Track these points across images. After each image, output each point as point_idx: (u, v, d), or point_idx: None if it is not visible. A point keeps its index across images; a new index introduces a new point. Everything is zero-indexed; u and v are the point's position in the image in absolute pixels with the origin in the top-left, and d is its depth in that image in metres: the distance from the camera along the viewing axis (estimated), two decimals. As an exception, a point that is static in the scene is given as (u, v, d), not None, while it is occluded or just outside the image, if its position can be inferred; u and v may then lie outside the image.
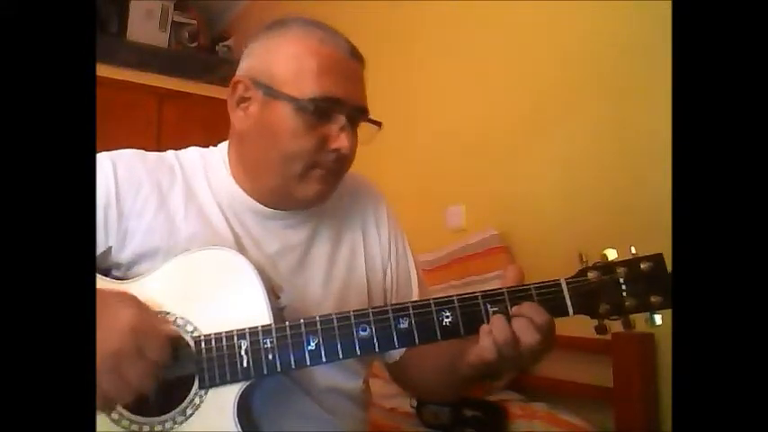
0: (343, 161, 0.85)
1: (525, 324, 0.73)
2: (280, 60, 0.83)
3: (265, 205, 0.88)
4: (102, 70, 2.88)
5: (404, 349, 0.95)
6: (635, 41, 1.42)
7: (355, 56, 0.85)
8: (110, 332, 0.67)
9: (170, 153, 0.93)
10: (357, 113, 0.85)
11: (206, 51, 3.41)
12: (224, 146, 0.94)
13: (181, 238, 0.84)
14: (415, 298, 0.98)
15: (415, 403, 1.46)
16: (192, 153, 0.94)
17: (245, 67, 0.87)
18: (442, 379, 0.90)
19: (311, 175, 0.83)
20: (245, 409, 0.77)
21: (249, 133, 0.85)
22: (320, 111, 0.80)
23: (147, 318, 0.71)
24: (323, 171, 0.84)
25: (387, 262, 0.98)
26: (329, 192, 0.87)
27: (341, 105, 0.82)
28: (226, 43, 3.44)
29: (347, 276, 0.93)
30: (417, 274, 1.01)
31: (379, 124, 0.87)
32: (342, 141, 0.81)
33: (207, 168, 0.91)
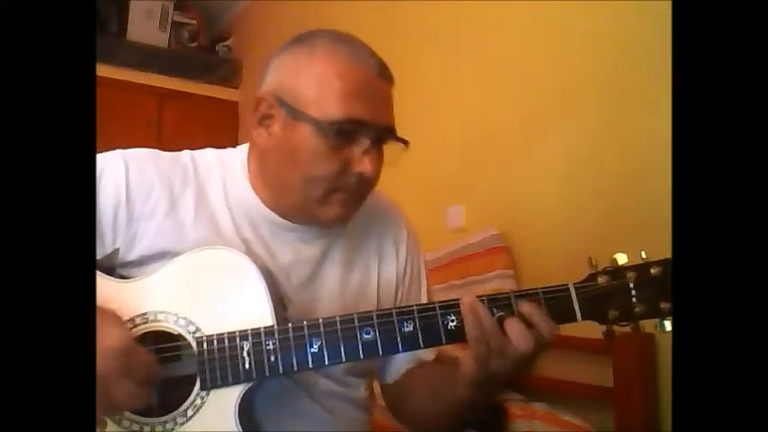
0: (365, 184, 0.82)
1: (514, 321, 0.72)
2: (305, 80, 0.80)
3: (281, 216, 0.87)
4: (102, 70, 2.88)
5: (400, 372, 0.94)
6: (635, 41, 1.42)
7: (384, 75, 0.83)
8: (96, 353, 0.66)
9: (185, 153, 0.91)
10: (383, 134, 0.82)
11: (206, 51, 3.42)
12: (244, 149, 0.91)
13: (189, 241, 0.82)
14: None
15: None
16: (209, 155, 0.92)
17: (270, 82, 0.84)
18: (438, 406, 0.88)
19: (333, 199, 0.82)
20: (246, 411, 0.76)
21: (271, 152, 0.84)
22: (343, 134, 0.78)
23: (132, 336, 0.71)
24: (345, 195, 0.82)
25: (400, 284, 0.96)
26: (351, 214, 0.86)
27: (365, 128, 0.79)
28: (226, 43, 3.45)
29: (358, 296, 0.91)
30: (429, 297, 0.99)
31: (405, 143, 0.85)
32: (365, 165, 0.79)
33: (224, 172, 0.89)
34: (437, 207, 1.95)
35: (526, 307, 0.73)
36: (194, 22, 3.38)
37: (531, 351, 0.71)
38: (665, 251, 0.73)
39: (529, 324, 0.72)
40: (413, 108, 2.10)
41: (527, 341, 0.71)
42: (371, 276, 0.94)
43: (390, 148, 0.85)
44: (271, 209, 0.86)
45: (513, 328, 0.71)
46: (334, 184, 0.80)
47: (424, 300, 0.98)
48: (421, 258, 1.00)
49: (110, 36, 3.11)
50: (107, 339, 0.67)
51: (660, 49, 1.01)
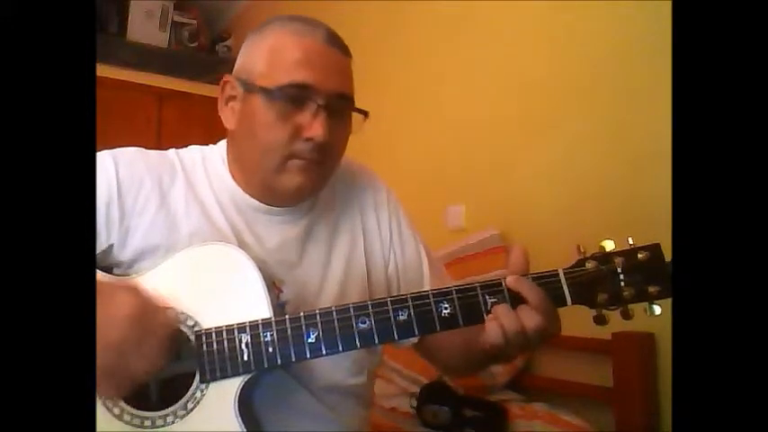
0: (320, 150, 0.83)
1: (525, 308, 0.74)
2: (257, 56, 0.85)
3: (260, 201, 0.89)
4: (102, 70, 2.88)
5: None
6: (635, 41, 1.42)
7: (334, 44, 0.85)
8: (111, 321, 0.67)
9: (171, 151, 0.93)
10: (336, 101, 0.83)
11: (206, 51, 3.41)
12: (223, 143, 0.95)
13: (182, 235, 0.84)
14: (427, 279, 0.98)
15: (415, 403, 1.46)
16: (193, 151, 0.94)
17: (234, 68, 0.89)
18: (462, 358, 0.93)
19: (289, 167, 0.83)
20: (246, 405, 0.77)
21: (236, 131, 0.87)
22: (290, 98, 0.81)
23: (149, 305, 0.72)
24: (302, 162, 0.83)
25: (388, 251, 0.98)
26: (313, 183, 0.86)
27: (313, 92, 0.81)
28: (226, 43, 3.44)
29: (346, 268, 0.93)
30: (428, 256, 1.00)
31: (365, 113, 0.87)
32: (315, 130, 0.81)
33: (207, 166, 0.92)
34: (437, 207, 1.95)
35: (534, 298, 0.75)
36: (194, 22, 3.38)
37: (541, 324, 0.73)
38: (667, 252, 0.74)
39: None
40: (413, 108, 2.11)
41: (532, 319, 0.73)
42: (357, 242, 0.95)
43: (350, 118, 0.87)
44: (250, 195, 0.89)
45: (531, 319, 0.73)
46: (287, 150, 0.82)
47: (424, 258, 0.99)
48: (407, 220, 1.01)
49: (110, 36, 3.11)
50: (122, 305, 0.69)
51: (660, 49, 1.01)
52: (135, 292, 0.72)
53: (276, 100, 0.81)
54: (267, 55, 0.83)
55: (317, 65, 0.82)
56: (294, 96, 0.81)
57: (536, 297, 0.74)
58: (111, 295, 0.69)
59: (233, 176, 0.90)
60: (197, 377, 0.75)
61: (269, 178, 0.84)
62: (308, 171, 0.84)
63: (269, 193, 0.88)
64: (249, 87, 0.83)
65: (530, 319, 0.73)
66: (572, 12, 1.59)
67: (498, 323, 0.73)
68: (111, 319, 0.67)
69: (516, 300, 0.75)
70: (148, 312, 0.71)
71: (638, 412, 1.28)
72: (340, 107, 0.84)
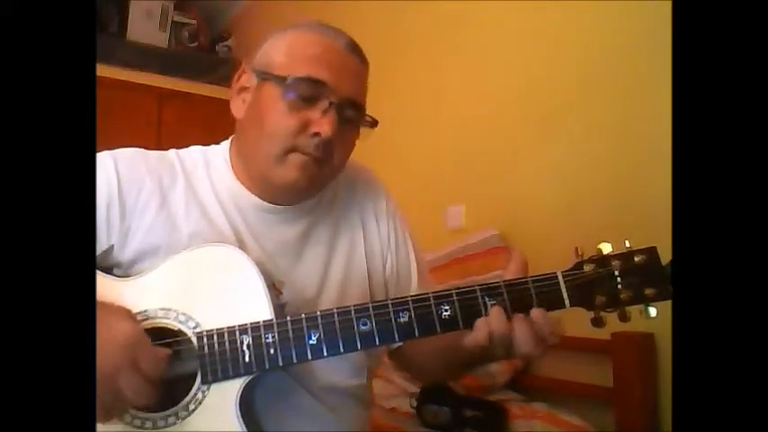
0: (324, 147, 0.82)
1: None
2: (277, 49, 0.86)
3: (259, 197, 0.88)
4: (102, 70, 2.88)
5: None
6: (635, 41, 1.42)
7: (354, 52, 0.86)
8: (104, 346, 0.66)
9: (171, 152, 0.93)
10: (348, 105, 0.83)
11: (206, 51, 3.42)
12: (226, 143, 0.95)
13: (182, 236, 0.84)
14: (414, 286, 0.98)
15: (414, 403, 1.46)
16: (194, 151, 0.94)
17: (252, 61, 0.89)
18: (442, 363, 0.92)
19: (290, 160, 0.82)
20: (247, 406, 0.77)
21: (244, 120, 0.88)
22: (304, 91, 0.81)
23: (142, 332, 0.71)
24: (303, 157, 0.82)
25: (386, 253, 0.98)
26: (309, 182, 0.85)
27: (327, 90, 0.81)
28: (226, 43, 3.44)
29: (347, 270, 0.93)
30: (418, 263, 1.01)
31: (374, 123, 0.87)
32: (323, 126, 0.80)
33: (208, 165, 0.91)
34: (437, 207, 1.95)
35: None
36: (194, 22, 3.38)
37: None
38: (666, 252, 0.74)
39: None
40: (413, 108, 2.11)
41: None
42: (358, 244, 0.96)
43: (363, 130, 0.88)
44: (253, 193, 0.89)
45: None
46: (291, 142, 0.82)
47: (413, 265, 1.00)
48: (405, 228, 1.02)
49: (110, 36, 3.11)
50: (117, 333, 0.68)
51: (660, 49, 1.01)
52: (128, 316, 0.72)
53: (289, 91, 0.81)
54: (287, 47, 0.85)
55: (334, 65, 0.83)
56: (307, 90, 0.81)
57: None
58: (103, 320, 0.68)
59: (236, 175, 0.90)
60: (198, 378, 0.75)
61: (267, 168, 0.84)
62: (307, 168, 0.83)
63: (266, 186, 0.87)
64: (264, 76, 0.84)
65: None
66: (572, 12, 1.59)
67: (488, 324, 0.73)
68: (103, 344, 0.66)
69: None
70: (142, 339, 0.70)
71: (638, 412, 1.28)
72: (350, 114, 0.84)
